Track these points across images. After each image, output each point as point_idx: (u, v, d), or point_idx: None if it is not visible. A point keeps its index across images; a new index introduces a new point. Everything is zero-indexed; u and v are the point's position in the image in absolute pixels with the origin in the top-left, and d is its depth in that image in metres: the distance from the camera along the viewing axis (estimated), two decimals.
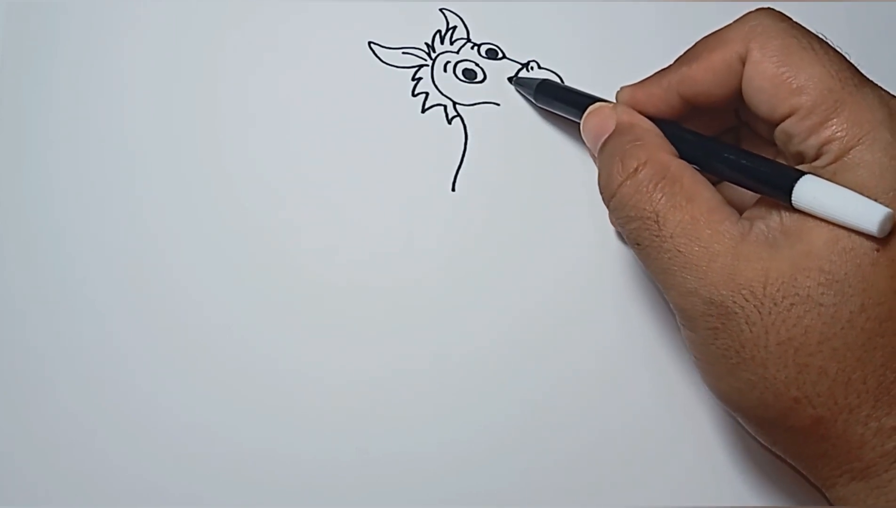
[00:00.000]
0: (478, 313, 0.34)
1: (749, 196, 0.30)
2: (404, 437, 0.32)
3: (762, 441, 0.29)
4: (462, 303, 0.34)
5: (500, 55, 0.37)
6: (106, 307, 0.33)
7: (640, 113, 0.31)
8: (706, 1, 0.38)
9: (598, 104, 0.32)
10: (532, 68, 0.37)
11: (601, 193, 0.30)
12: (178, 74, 0.35)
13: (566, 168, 0.36)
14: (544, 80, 0.35)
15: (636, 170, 0.28)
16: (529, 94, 0.36)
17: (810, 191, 0.25)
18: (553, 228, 0.35)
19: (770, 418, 0.26)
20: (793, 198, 0.25)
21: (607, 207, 0.29)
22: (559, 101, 0.35)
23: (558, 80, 0.37)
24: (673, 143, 0.29)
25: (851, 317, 0.25)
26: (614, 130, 0.30)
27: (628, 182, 0.28)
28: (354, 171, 0.35)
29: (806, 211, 0.25)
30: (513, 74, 0.37)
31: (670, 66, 0.31)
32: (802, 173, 0.25)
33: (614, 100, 0.32)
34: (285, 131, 0.35)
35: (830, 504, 0.27)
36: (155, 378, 0.32)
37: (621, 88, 0.32)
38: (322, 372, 0.33)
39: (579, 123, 0.33)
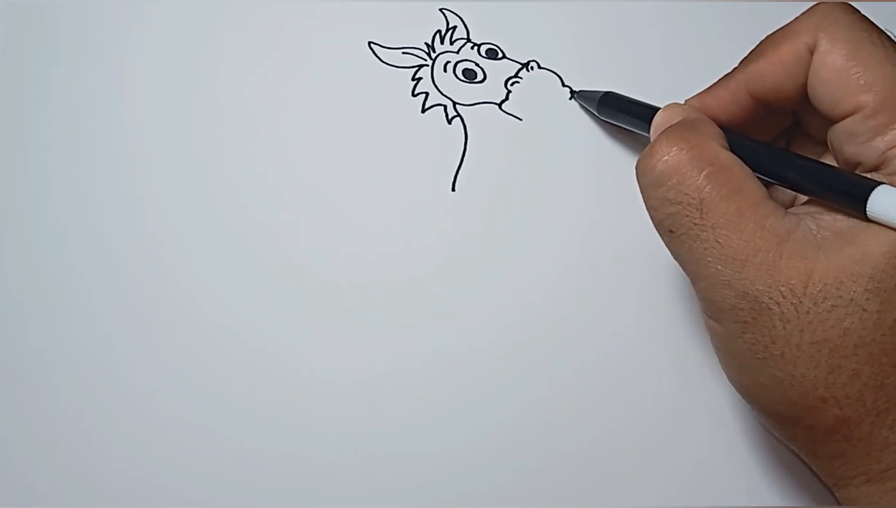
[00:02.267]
0: (478, 313, 0.34)
1: (793, 196, 0.29)
2: (404, 436, 0.32)
3: (776, 436, 0.29)
4: (462, 303, 0.34)
5: (500, 55, 0.37)
6: (106, 307, 0.33)
7: (711, 118, 0.30)
8: (705, 1, 0.38)
9: (670, 103, 0.31)
10: (532, 68, 0.37)
11: (637, 169, 0.28)
12: (177, 74, 0.35)
13: (566, 168, 0.36)
14: (608, 93, 0.35)
15: (681, 149, 0.27)
16: (592, 107, 0.35)
17: (887, 202, 0.24)
18: (553, 228, 0.35)
19: (791, 415, 0.26)
20: (868, 208, 0.25)
21: (640, 184, 0.28)
22: (624, 113, 0.34)
23: (558, 79, 0.37)
24: (737, 151, 0.28)
25: (894, 325, 0.24)
26: (675, 123, 0.29)
27: (670, 159, 0.27)
28: (354, 171, 0.35)
29: (881, 221, 0.25)
30: (512, 75, 0.37)
31: (737, 67, 0.30)
32: (877, 183, 0.25)
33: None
34: (285, 131, 0.35)
35: (838, 504, 0.27)
36: (154, 377, 0.32)
37: (688, 99, 0.31)
38: (322, 372, 0.33)
39: (645, 135, 0.32)
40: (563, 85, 0.37)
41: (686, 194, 0.26)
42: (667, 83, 0.37)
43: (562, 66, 0.37)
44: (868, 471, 0.26)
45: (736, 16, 0.38)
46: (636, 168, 0.28)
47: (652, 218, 0.28)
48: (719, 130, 0.29)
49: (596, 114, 0.36)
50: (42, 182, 0.34)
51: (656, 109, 0.31)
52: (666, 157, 0.27)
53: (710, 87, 0.30)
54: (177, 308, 0.33)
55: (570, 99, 0.36)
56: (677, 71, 0.37)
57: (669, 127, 0.29)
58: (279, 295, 0.33)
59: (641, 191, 0.28)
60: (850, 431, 0.25)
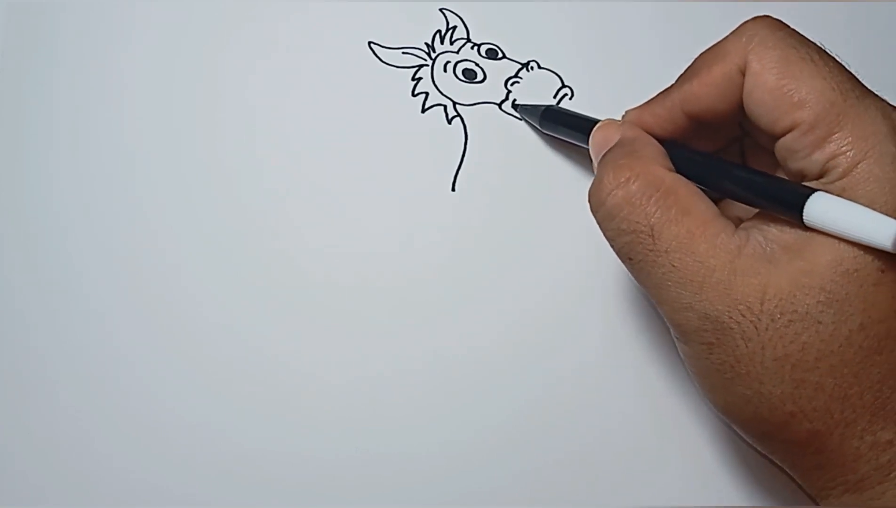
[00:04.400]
0: (478, 313, 0.34)
1: (746, 208, 0.29)
2: (404, 436, 0.32)
3: (759, 451, 0.29)
4: (462, 303, 0.34)
5: (500, 55, 0.37)
6: (106, 306, 0.33)
7: (649, 133, 0.30)
8: (705, 1, 0.38)
9: (607, 119, 0.32)
10: (532, 68, 0.37)
11: (590, 203, 0.29)
12: (177, 73, 0.35)
13: (566, 168, 0.36)
14: (548, 107, 0.35)
15: (627, 180, 0.27)
16: (535, 121, 0.35)
17: (822, 209, 0.24)
18: (552, 228, 0.35)
19: (766, 431, 0.26)
20: (804, 216, 0.25)
21: (595, 218, 0.28)
22: (564, 126, 0.34)
23: (558, 79, 0.37)
24: (678, 164, 0.28)
25: (850, 335, 0.24)
26: (615, 144, 0.30)
27: (619, 192, 0.27)
28: (354, 171, 0.35)
29: (818, 228, 0.25)
30: (512, 75, 0.37)
31: (672, 85, 0.30)
32: (813, 190, 0.25)
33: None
34: (285, 131, 0.35)
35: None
36: (154, 377, 0.32)
37: (627, 112, 0.31)
38: (322, 372, 0.33)
39: (585, 147, 0.32)
40: (564, 85, 0.37)
41: (637, 222, 0.27)
42: (667, 83, 0.37)
43: (562, 66, 0.37)
44: (846, 482, 0.26)
45: (736, 16, 0.38)
46: (588, 201, 0.29)
47: (612, 248, 0.28)
48: (661, 149, 0.29)
49: (538, 127, 0.35)
50: (42, 182, 0.34)
51: (594, 122, 0.32)
52: (614, 190, 0.27)
53: (647, 103, 0.31)
54: (177, 308, 0.33)
55: (516, 111, 0.36)
56: (677, 71, 0.37)
57: (611, 152, 0.29)
58: (279, 295, 0.33)
59: (597, 224, 0.29)
60: (822, 444, 0.25)
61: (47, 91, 0.35)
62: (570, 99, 0.37)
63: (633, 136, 0.30)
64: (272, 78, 0.36)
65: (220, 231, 0.34)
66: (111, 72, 0.35)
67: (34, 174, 0.34)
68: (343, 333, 0.33)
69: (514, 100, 0.36)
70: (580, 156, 0.36)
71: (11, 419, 0.31)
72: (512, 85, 0.37)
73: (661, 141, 0.30)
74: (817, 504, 0.27)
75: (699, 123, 0.29)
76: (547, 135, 0.36)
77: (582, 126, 0.32)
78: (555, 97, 0.36)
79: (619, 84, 0.37)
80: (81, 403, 0.32)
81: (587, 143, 0.32)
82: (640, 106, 0.31)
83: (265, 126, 0.35)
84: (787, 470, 0.28)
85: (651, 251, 0.26)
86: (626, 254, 0.28)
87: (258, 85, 0.35)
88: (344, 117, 0.35)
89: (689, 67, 0.30)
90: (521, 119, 0.36)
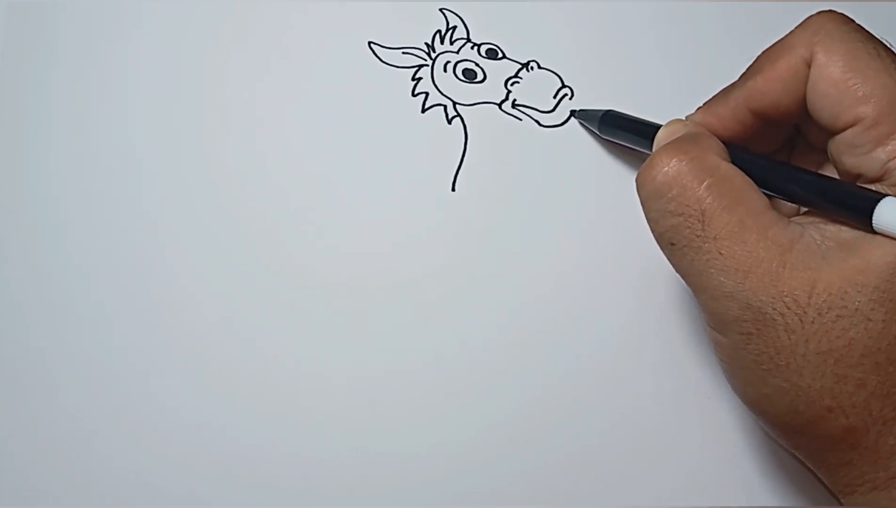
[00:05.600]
0: (478, 312, 0.34)
1: (793, 207, 0.29)
2: (404, 436, 0.32)
3: (781, 445, 0.29)
4: (462, 303, 0.34)
5: (500, 55, 0.37)
6: (107, 306, 0.33)
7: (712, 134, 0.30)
8: (705, 1, 0.38)
9: (673, 119, 0.31)
10: (532, 68, 0.37)
11: (637, 181, 0.28)
12: (178, 73, 0.35)
13: (566, 168, 0.36)
14: (609, 112, 0.35)
15: (681, 160, 0.26)
16: (593, 126, 0.35)
17: (893, 213, 0.24)
18: (553, 228, 0.35)
19: (798, 425, 0.26)
20: (874, 221, 0.24)
21: (640, 195, 0.28)
22: (626, 131, 0.34)
23: (558, 79, 0.37)
24: (739, 165, 0.28)
25: None
26: (677, 137, 0.29)
27: (671, 169, 0.26)
28: (354, 171, 0.35)
29: (888, 233, 0.24)
30: (512, 75, 0.37)
31: (734, 83, 0.30)
32: (882, 195, 0.25)
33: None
34: (285, 131, 0.35)
35: (841, 505, 0.27)
36: (155, 377, 0.32)
37: (689, 115, 0.31)
38: (322, 371, 0.33)
39: (647, 152, 0.32)
40: (564, 85, 0.37)
41: (687, 205, 0.26)
42: (667, 83, 0.37)
43: (562, 66, 0.37)
44: (875, 479, 0.26)
45: (736, 16, 0.38)
46: (636, 180, 0.28)
47: (652, 230, 0.28)
48: (721, 144, 0.28)
49: (597, 132, 0.35)
50: (43, 181, 0.34)
51: (657, 126, 0.31)
52: (666, 169, 0.27)
53: (709, 104, 0.30)
54: (177, 307, 0.33)
55: (569, 119, 0.36)
56: (677, 71, 0.37)
57: (672, 141, 0.28)
58: (279, 295, 0.33)
59: (642, 203, 0.28)
60: (857, 440, 0.25)
61: (47, 91, 0.35)
62: (570, 99, 0.37)
63: (696, 131, 0.29)
64: (272, 78, 0.36)
65: (220, 231, 0.34)
66: (111, 71, 0.35)
67: (34, 174, 0.34)
68: (343, 333, 0.33)
69: (515, 99, 0.36)
70: (580, 155, 0.36)
71: (12, 419, 0.31)
72: (512, 85, 0.37)
73: (724, 143, 0.29)
74: (838, 501, 0.27)
75: (763, 121, 0.29)
76: (549, 135, 0.36)
77: (644, 130, 0.32)
78: (555, 97, 0.36)
79: (619, 84, 0.37)
80: (82, 403, 0.32)
81: (649, 148, 0.31)
82: (701, 107, 0.30)
83: (265, 126, 0.35)
84: (811, 466, 0.28)
85: (698, 236, 0.26)
86: (669, 239, 0.27)
87: (258, 85, 0.35)
88: (344, 117, 0.35)
89: (752, 65, 0.29)
90: (520, 119, 0.36)
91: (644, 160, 0.28)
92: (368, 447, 0.32)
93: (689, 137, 0.29)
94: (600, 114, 0.35)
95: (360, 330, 0.33)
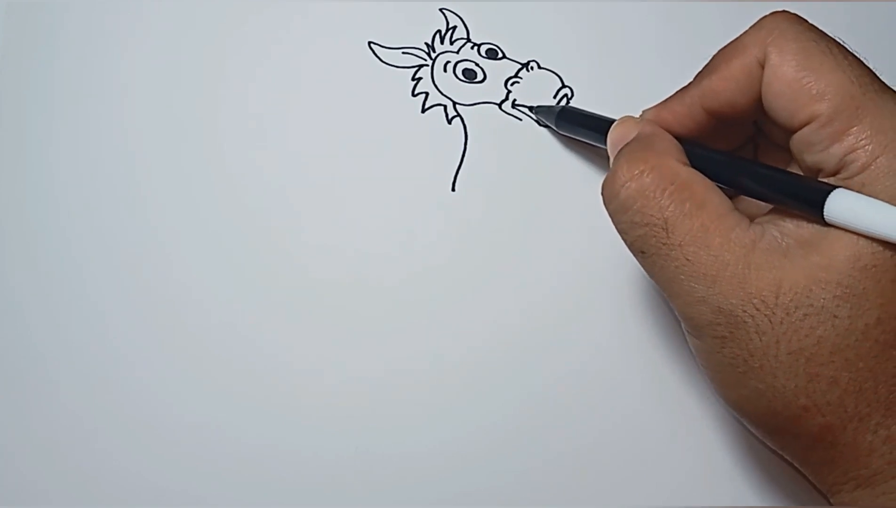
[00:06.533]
0: (478, 312, 0.34)
1: (759, 206, 0.29)
2: (404, 436, 0.32)
3: (768, 446, 0.29)
4: (462, 303, 0.34)
5: (500, 55, 0.37)
6: (107, 305, 0.33)
7: (667, 131, 0.30)
8: (705, 1, 0.38)
9: (625, 116, 0.31)
10: (532, 68, 0.37)
11: (602, 195, 0.29)
12: (178, 73, 0.35)
13: (566, 168, 0.36)
14: (565, 108, 0.35)
15: (642, 172, 0.27)
16: (551, 122, 0.35)
17: (844, 205, 0.24)
18: (552, 228, 0.35)
19: (778, 425, 0.26)
20: (825, 213, 0.25)
21: (608, 210, 0.28)
22: (581, 126, 0.34)
23: (558, 79, 0.37)
24: (694, 161, 0.28)
25: (866, 329, 0.24)
26: (632, 139, 0.30)
27: (633, 184, 0.27)
28: (354, 171, 0.35)
29: (839, 225, 0.25)
30: (512, 75, 0.37)
31: (690, 82, 0.30)
32: (833, 187, 0.25)
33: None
34: (286, 131, 0.35)
35: (831, 506, 0.27)
36: (155, 376, 0.32)
37: (644, 110, 0.31)
38: (321, 371, 0.33)
39: (602, 147, 0.32)
40: (564, 85, 0.37)
41: (651, 215, 0.27)
42: (667, 83, 0.37)
43: (562, 66, 0.37)
44: (858, 477, 0.26)
45: (736, 16, 0.38)
46: (602, 193, 0.28)
47: (624, 240, 0.28)
48: (677, 144, 0.29)
49: (554, 128, 0.35)
50: (43, 181, 0.34)
51: (611, 122, 0.32)
52: (628, 183, 0.27)
53: (665, 101, 0.31)
54: (178, 307, 0.33)
55: (526, 115, 0.36)
56: (677, 71, 0.37)
57: (627, 146, 0.29)
58: (279, 295, 0.33)
59: (610, 217, 0.28)
60: (836, 438, 0.25)
61: (48, 90, 0.35)
62: (571, 99, 0.37)
63: (651, 132, 0.30)
64: (272, 78, 0.36)
65: (220, 230, 0.34)
66: (111, 71, 0.35)
67: (35, 174, 0.34)
68: (343, 333, 0.33)
69: (515, 99, 0.36)
70: (580, 155, 0.36)
71: (12, 418, 0.31)
72: (512, 85, 0.37)
73: (678, 139, 0.29)
74: (828, 500, 0.27)
75: (718, 120, 0.29)
76: (550, 134, 0.36)
77: (599, 125, 0.32)
78: (555, 97, 0.36)
79: (619, 84, 0.37)
80: (82, 402, 0.32)
81: (604, 143, 0.32)
82: (657, 104, 0.31)
83: (265, 125, 0.35)
84: (798, 466, 0.28)
85: (664, 244, 0.26)
86: (639, 248, 0.27)
87: (258, 85, 0.35)
88: (344, 117, 0.35)
89: (707, 64, 0.30)
90: (520, 119, 0.36)
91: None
92: (368, 447, 0.32)
93: (646, 141, 0.29)
94: (557, 110, 0.35)
95: (359, 329, 0.33)
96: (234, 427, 0.32)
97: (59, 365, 0.32)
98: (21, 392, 0.32)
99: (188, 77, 0.35)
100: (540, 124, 0.36)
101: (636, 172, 0.27)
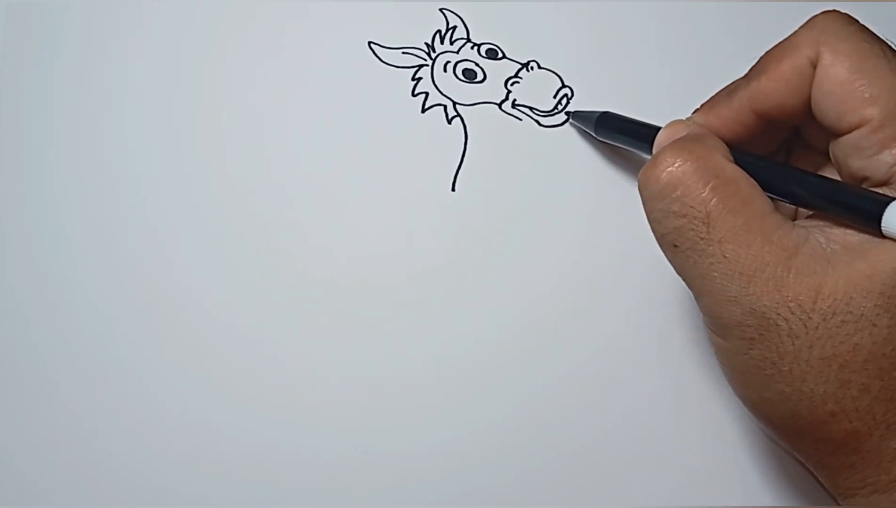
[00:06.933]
0: (478, 312, 0.34)
1: (797, 210, 0.29)
2: (404, 436, 0.32)
3: (782, 447, 0.29)
4: (462, 303, 0.34)
5: (500, 55, 0.37)
6: (108, 305, 0.33)
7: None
8: (705, 1, 0.38)
9: (673, 120, 0.30)
10: (532, 68, 0.37)
11: (640, 180, 0.27)
12: (179, 73, 0.35)
13: (566, 168, 0.36)
14: (605, 113, 0.34)
15: (686, 161, 0.26)
16: (589, 129, 0.35)
17: None
18: (553, 228, 0.35)
19: (800, 429, 0.26)
20: (883, 225, 0.24)
21: (643, 196, 0.27)
22: (623, 134, 0.33)
23: (558, 79, 0.37)
24: (743, 166, 0.27)
25: None
26: (679, 137, 0.29)
27: (676, 170, 0.26)
28: (355, 171, 0.35)
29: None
30: (512, 75, 0.37)
31: (737, 82, 0.29)
32: (891, 198, 0.24)
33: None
34: (286, 131, 0.35)
35: (838, 505, 0.27)
36: (155, 376, 0.32)
37: (691, 115, 0.30)
38: (322, 371, 0.33)
39: (644, 155, 0.31)
40: (564, 85, 0.37)
41: (692, 207, 0.26)
42: (667, 83, 0.37)
43: (562, 66, 0.37)
44: (876, 482, 0.25)
45: (736, 16, 0.38)
46: (639, 179, 0.27)
47: (654, 231, 0.27)
48: (724, 145, 0.28)
49: (593, 135, 0.35)
50: (43, 181, 0.34)
51: (656, 129, 0.31)
52: (670, 168, 0.26)
53: (710, 104, 0.30)
54: (178, 307, 0.33)
55: (565, 123, 0.36)
56: (677, 71, 0.37)
57: (675, 142, 0.28)
58: (279, 295, 0.33)
59: (644, 204, 0.27)
60: (860, 444, 0.25)
61: (48, 90, 0.35)
62: (571, 99, 0.37)
63: (699, 132, 0.29)
64: (273, 78, 0.36)
65: (220, 230, 0.34)
66: (111, 71, 0.35)
67: (35, 174, 0.34)
68: (344, 333, 0.33)
69: (515, 99, 0.36)
70: (580, 155, 0.36)
71: (12, 418, 0.31)
72: (512, 85, 0.37)
73: (726, 145, 0.29)
74: (835, 501, 0.27)
75: (766, 123, 0.29)
76: (550, 135, 0.36)
77: (643, 132, 0.31)
78: (555, 97, 0.36)
79: (619, 84, 0.37)
80: (82, 402, 0.32)
81: (647, 151, 0.31)
82: (704, 107, 0.30)
83: (266, 126, 0.35)
84: (811, 469, 0.28)
85: (703, 239, 0.26)
86: (672, 240, 0.26)
87: (259, 85, 0.35)
88: (344, 117, 0.35)
89: (756, 65, 0.29)
90: (520, 119, 0.36)
91: (644, 161, 0.28)
92: (369, 447, 0.32)
93: (693, 137, 0.28)
94: (596, 115, 0.35)
95: (359, 329, 0.33)
96: (234, 427, 0.32)
97: (59, 365, 0.32)
98: (21, 392, 0.32)
99: (188, 77, 0.35)
100: (577, 129, 0.36)
101: (680, 160, 0.26)
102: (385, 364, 0.33)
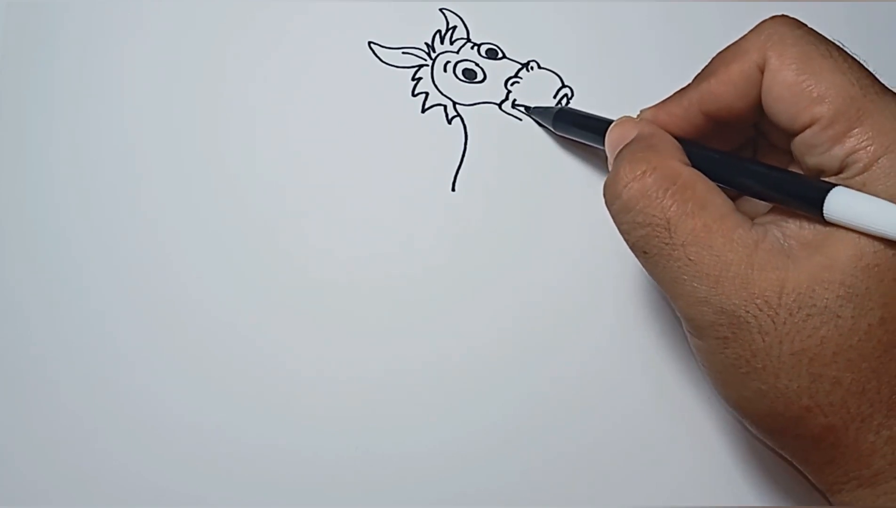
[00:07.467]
0: (478, 312, 0.34)
1: (760, 207, 0.29)
2: (404, 436, 0.32)
3: (768, 445, 0.29)
4: (462, 303, 0.34)
5: (500, 55, 0.37)
6: (108, 306, 0.33)
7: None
8: (705, 1, 0.38)
9: (623, 117, 0.31)
10: (532, 68, 0.37)
11: (604, 196, 0.29)
12: (178, 73, 0.35)
13: (566, 168, 0.36)
14: (562, 109, 0.35)
15: (644, 173, 0.27)
16: (548, 123, 0.35)
17: (843, 203, 0.24)
18: (552, 228, 0.35)
19: (779, 425, 0.26)
20: (825, 211, 0.25)
21: (610, 211, 0.28)
22: (578, 127, 0.34)
23: (558, 79, 0.37)
24: (694, 161, 0.28)
25: (870, 330, 0.24)
26: (632, 139, 0.30)
27: (635, 184, 0.27)
28: (354, 171, 0.35)
29: (838, 223, 0.25)
30: (512, 75, 0.37)
31: (689, 84, 0.30)
32: (833, 185, 0.25)
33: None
34: (286, 131, 0.35)
35: (831, 505, 0.27)
36: (155, 376, 0.32)
37: (642, 110, 0.31)
38: (322, 371, 0.33)
39: (600, 148, 0.32)
40: (564, 85, 0.37)
41: (653, 216, 0.27)
42: (667, 83, 0.37)
43: (562, 66, 0.37)
44: (859, 476, 0.26)
45: (736, 16, 0.38)
46: (603, 194, 0.28)
47: (626, 241, 0.28)
48: (677, 144, 0.29)
49: (551, 129, 0.35)
50: (43, 181, 0.34)
51: (608, 122, 0.31)
52: (630, 183, 0.27)
53: (663, 102, 0.31)
54: (178, 307, 0.33)
55: (526, 116, 0.36)
56: (677, 71, 0.37)
57: (627, 147, 0.29)
58: (279, 295, 0.33)
59: (612, 217, 0.28)
60: (837, 438, 0.25)
61: (48, 90, 0.35)
62: (571, 99, 0.37)
63: (650, 132, 0.30)
64: (273, 78, 0.36)
65: (219, 230, 0.34)
66: (112, 71, 0.35)
67: (35, 174, 0.34)
68: (343, 333, 0.33)
69: (514, 100, 0.36)
70: (580, 155, 0.36)
71: (12, 418, 0.31)
72: (512, 85, 0.37)
73: (677, 140, 0.29)
74: (827, 500, 0.27)
75: (716, 122, 0.29)
76: (550, 135, 0.36)
77: (596, 126, 0.32)
78: (555, 97, 0.36)
79: (619, 84, 0.37)
80: (82, 402, 0.32)
81: (601, 144, 0.32)
82: (655, 105, 0.31)
83: (266, 125, 0.35)
84: (798, 466, 0.28)
85: (667, 244, 0.26)
86: (641, 248, 0.27)
87: (259, 85, 0.35)
88: (344, 117, 0.35)
89: (707, 66, 0.30)
90: (520, 119, 0.36)
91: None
92: (369, 447, 0.32)
93: (647, 143, 0.29)
94: (554, 111, 0.35)
95: (359, 329, 0.33)
96: (234, 427, 0.32)
97: (59, 365, 0.32)
98: (21, 392, 0.32)
99: (188, 77, 0.35)
100: (539, 125, 0.36)
101: (638, 173, 0.27)
102: (385, 364, 0.33)
